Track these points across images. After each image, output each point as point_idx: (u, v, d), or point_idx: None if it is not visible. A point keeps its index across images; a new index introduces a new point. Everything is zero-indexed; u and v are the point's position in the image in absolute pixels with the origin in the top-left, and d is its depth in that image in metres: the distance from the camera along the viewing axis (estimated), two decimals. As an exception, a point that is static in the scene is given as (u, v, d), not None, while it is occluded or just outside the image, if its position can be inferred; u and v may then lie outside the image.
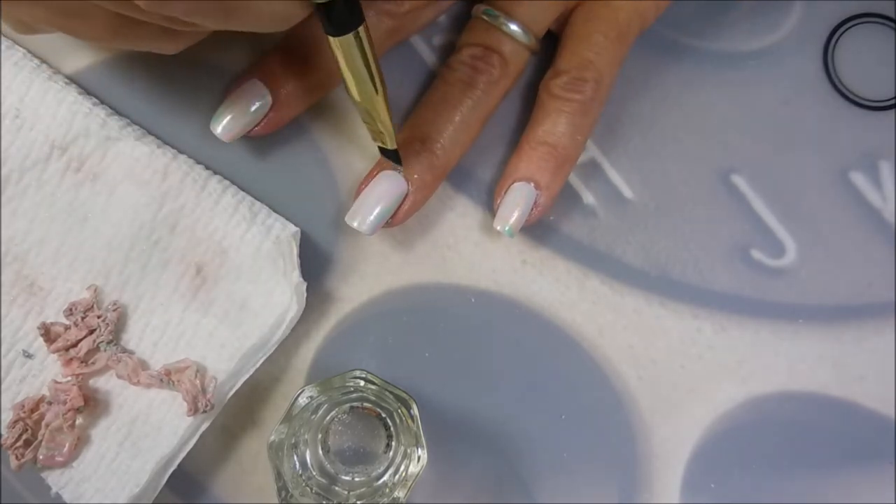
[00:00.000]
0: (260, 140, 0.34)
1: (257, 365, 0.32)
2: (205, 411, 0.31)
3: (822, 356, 0.34)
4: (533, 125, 0.33)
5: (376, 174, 0.32)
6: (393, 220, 0.32)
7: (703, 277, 0.34)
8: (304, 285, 0.32)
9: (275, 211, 0.33)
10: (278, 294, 0.32)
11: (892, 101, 0.35)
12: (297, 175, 0.34)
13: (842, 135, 0.35)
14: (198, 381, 0.31)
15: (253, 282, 0.32)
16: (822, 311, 0.34)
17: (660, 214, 0.34)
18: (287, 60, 0.32)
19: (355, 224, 0.32)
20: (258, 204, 0.33)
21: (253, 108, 0.32)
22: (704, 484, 0.33)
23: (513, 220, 0.32)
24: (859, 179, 0.34)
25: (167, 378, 0.32)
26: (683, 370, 0.34)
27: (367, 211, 0.32)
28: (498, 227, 0.32)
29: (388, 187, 0.32)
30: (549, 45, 0.34)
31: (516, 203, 0.32)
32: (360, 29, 0.26)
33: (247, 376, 0.32)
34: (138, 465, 0.31)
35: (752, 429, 0.33)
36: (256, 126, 0.32)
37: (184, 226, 0.33)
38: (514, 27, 0.32)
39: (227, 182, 0.33)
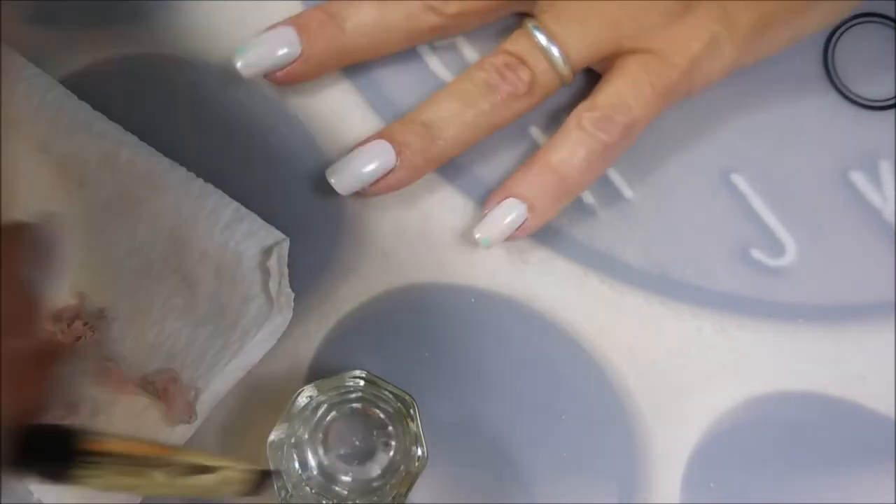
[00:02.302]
0: (259, 139, 0.34)
1: (241, 375, 0.32)
2: (188, 422, 0.31)
3: (822, 356, 0.34)
4: (551, 148, 0.32)
5: (373, 140, 0.32)
6: (371, 189, 0.32)
7: (703, 277, 0.34)
8: (292, 295, 0.32)
9: (274, 210, 0.33)
10: (265, 303, 0.32)
11: (892, 101, 0.35)
12: (298, 175, 0.34)
13: (842, 135, 0.35)
14: (181, 391, 0.31)
15: (239, 291, 0.32)
16: (822, 311, 0.34)
17: (660, 214, 0.34)
18: (325, 20, 0.32)
19: (332, 180, 0.32)
20: (246, 212, 0.33)
21: (280, 53, 0.32)
22: (704, 484, 0.33)
23: (495, 232, 0.32)
24: (859, 179, 0.34)
25: (151, 387, 0.31)
26: (683, 370, 0.34)
27: (348, 170, 0.32)
28: (477, 235, 0.32)
29: (376, 155, 0.31)
30: (586, 80, 0.33)
31: (504, 218, 0.32)
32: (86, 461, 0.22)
33: (230, 387, 0.32)
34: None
35: (752, 429, 0.33)
36: (279, 71, 0.32)
37: (171, 233, 0.32)
38: (555, 51, 0.31)
39: (216, 190, 0.33)
